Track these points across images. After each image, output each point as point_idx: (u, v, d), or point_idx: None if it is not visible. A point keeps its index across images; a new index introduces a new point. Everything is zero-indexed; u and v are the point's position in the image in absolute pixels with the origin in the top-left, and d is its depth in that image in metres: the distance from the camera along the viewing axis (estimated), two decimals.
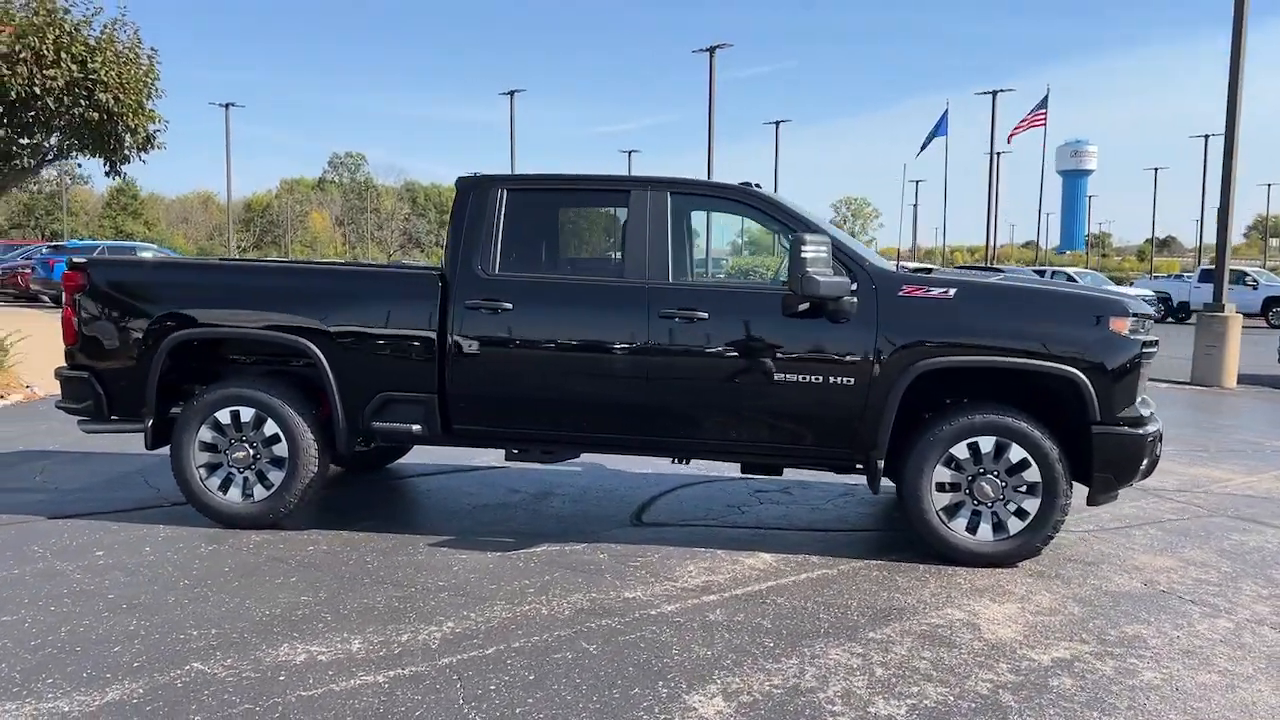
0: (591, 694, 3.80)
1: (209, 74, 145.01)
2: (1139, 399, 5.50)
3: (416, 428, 5.79)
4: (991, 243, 46.52)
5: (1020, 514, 5.45)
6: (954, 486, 5.49)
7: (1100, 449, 5.38)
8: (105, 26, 10.52)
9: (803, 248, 5.19)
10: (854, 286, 5.45)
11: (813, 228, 5.60)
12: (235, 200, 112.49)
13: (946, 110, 48.76)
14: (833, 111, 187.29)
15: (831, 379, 5.47)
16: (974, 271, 6.58)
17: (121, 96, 10.24)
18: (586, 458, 7.73)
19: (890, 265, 5.80)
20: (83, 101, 10.02)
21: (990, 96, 41.77)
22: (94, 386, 6.01)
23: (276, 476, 5.87)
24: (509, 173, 5.98)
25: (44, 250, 28.08)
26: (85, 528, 5.89)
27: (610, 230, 5.94)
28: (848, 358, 5.46)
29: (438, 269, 5.89)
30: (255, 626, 4.41)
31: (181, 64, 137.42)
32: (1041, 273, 29.98)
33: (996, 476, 5.44)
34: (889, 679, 3.99)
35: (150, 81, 10.91)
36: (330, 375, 5.76)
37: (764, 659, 4.16)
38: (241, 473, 5.90)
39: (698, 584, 5.10)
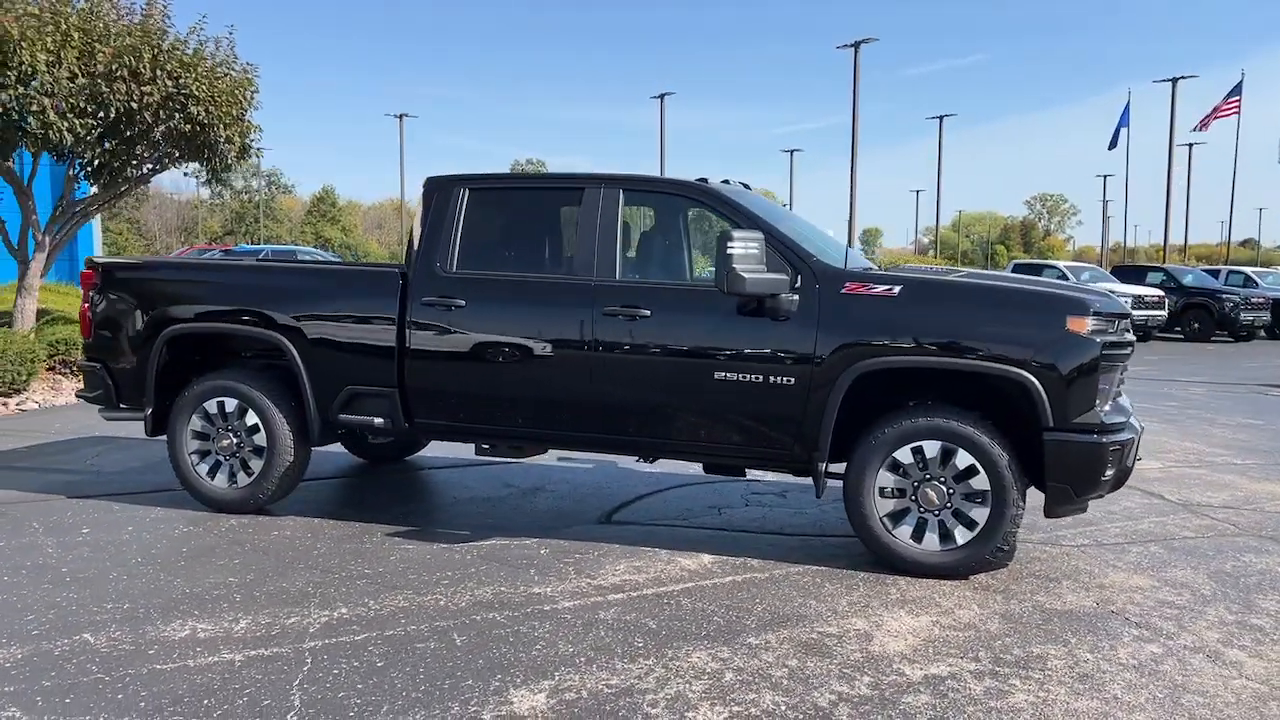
0: (423, 683, 3.86)
1: (413, 88, 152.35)
2: (1103, 404, 5.10)
3: (379, 420, 5.99)
4: (1180, 240, 43.55)
5: (968, 523, 5.15)
6: (899, 492, 5.24)
7: (1053, 457, 5.03)
8: (200, 44, 11.33)
9: (728, 244, 5.08)
10: (798, 283, 5.31)
11: (758, 223, 5.47)
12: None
13: (1129, 101, 46.02)
14: (1025, 105, 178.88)
15: (771, 378, 5.32)
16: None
17: (212, 109, 11.00)
18: (598, 455, 7.81)
19: (845, 259, 5.57)
20: (177, 115, 10.82)
21: (1182, 83, 39.06)
22: (105, 377, 6.50)
23: (257, 464, 6.19)
24: (472, 173, 6.10)
25: (217, 253, 30.33)
26: (91, 507, 6.38)
27: (567, 229, 5.96)
28: (787, 357, 5.30)
29: (400, 267, 6.07)
30: (167, 603, 4.69)
31: (382, 78, 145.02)
32: (1215, 273, 27.84)
33: (942, 483, 5.17)
34: (732, 685, 3.87)
35: (245, 94, 11.66)
36: (302, 368, 6.03)
37: (621, 659, 4.11)
38: (227, 460, 6.26)
39: (614, 582, 5.06)
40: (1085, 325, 5.02)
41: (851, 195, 32.56)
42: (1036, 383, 4.99)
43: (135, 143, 11.14)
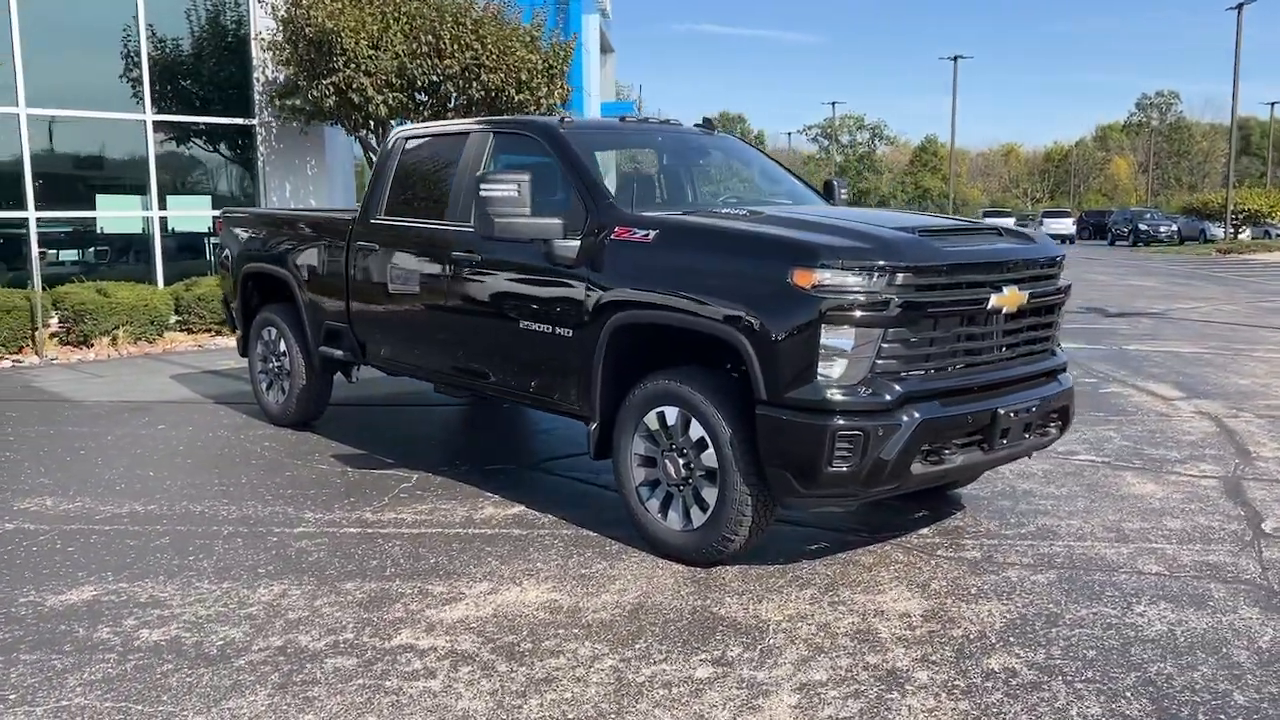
0: (59, 569, 4.48)
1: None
2: (852, 376, 4.03)
3: (339, 353, 6.66)
4: None
5: (703, 504, 4.44)
6: (650, 461, 4.66)
7: (763, 435, 4.13)
8: (496, 17, 12.59)
9: (482, 185, 4.89)
10: (585, 229, 4.92)
11: (576, 167, 5.14)
12: (1037, 151, 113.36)
13: None
14: None
15: (556, 330, 5.02)
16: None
17: (504, 75, 12.20)
18: None
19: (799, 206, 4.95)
20: (473, 84, 12.22)
21: None
22: (227, 308, 7.99)
23: (288, 385, 7.23)
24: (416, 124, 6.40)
25: None
26: (202, 410, 7.95)
27: (455, 175, 5.99)
28: (564, 308, 4.95)
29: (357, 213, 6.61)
30: (78, 482, 5.86)
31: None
32: None
33: (680, 454, 4.49)
34: (234, 618, 3.93)
35: (554, 61, 12.76)
36: (301, 305, 6.90)
37: (211, 581, 4.31)
38: (274, 380, 7.38)
39: (389, 519, 5.18)
40: (811, 279, 4.00)
41: None
42: (748, 345, 4.12)
43: (444, 110, 12.83)
